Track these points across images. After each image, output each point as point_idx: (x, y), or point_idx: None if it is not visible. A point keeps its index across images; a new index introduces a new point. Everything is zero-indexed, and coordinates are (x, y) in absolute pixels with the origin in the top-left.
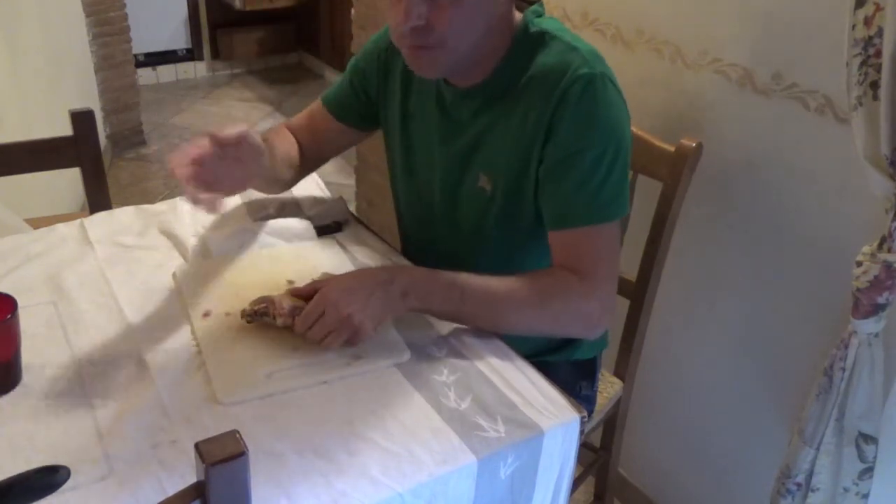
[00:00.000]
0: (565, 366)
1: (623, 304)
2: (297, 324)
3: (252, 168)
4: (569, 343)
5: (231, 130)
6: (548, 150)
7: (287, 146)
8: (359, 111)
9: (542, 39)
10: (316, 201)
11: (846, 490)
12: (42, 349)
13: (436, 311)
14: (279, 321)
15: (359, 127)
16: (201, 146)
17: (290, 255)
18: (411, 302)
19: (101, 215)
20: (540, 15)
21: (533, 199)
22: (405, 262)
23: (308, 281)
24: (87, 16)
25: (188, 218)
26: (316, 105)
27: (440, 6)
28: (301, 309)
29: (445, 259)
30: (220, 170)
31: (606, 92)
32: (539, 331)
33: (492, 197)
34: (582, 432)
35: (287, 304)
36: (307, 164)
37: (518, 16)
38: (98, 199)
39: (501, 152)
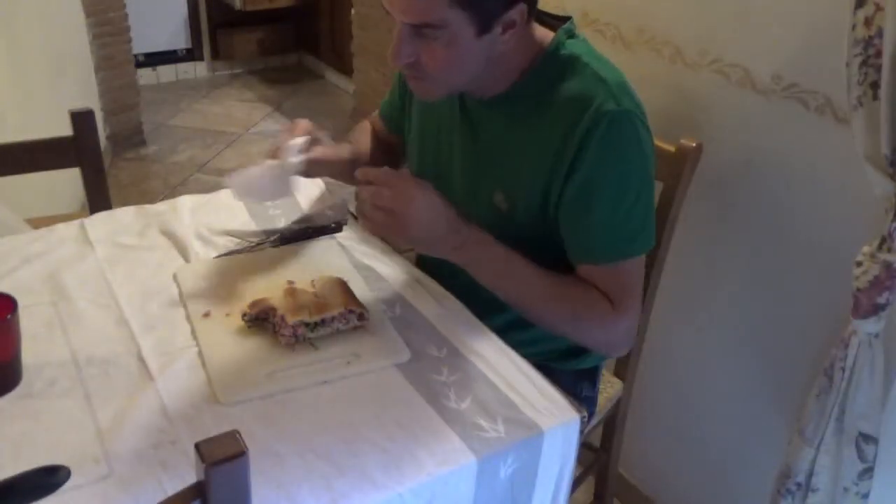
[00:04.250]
0: (569, 372)
1: None
2: (366, 173)
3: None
4: (576, 353)
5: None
6: (569, 185)
7: (368, 145)
8: (400, 120)
9: (571, 64)
10: (316, 201)
11: (846, 490)
12: (42, 349)
13: (478, 275)
14: (282, 340)
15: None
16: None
17: (290, 255)
18: (459, 255)
19: (101, 215)
20: (572, 35)
21: (554, 221)
22: (404, 263)
23: (308, 281)
24: (87, 16)
25: (188, 218)
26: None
27: (429, 46)
28: (305, 325)
29: (461, 270)
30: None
31: (632, 130)
32: (562, 333)
33: (509, 216)
34: (582, 432)
35: (291, 319)
36: (397, 155)
37: (547, 33)
38: (98, 199)
39: (521, 173)
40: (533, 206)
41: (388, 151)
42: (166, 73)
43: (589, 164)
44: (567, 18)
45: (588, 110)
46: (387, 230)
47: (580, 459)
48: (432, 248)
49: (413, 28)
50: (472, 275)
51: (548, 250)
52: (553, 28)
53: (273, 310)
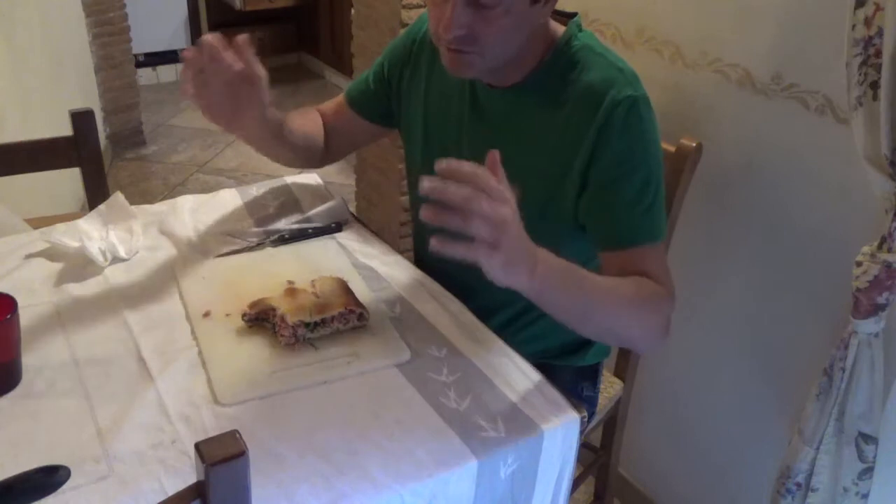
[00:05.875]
0: (569, 370)
1: None
2: (456, 170)
3: (248, 108)
4: (575, 349)
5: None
6: (593, 170)
7: (310, 125)
8: (378, 109)
9: (584, 55)
10: (316, 201)
11: (846, 490)
12: (42, 349)
13: (547, 301)
14: (282, 341)
15: (377, 124)
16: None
17: (290, 255)
18: (532, 282)
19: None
20: (580, 29)
21: (571, 213)
22: (404, 263)
23: (308, 281)
24: (87, 16)
25: (188, 218)
26: (341, 97)
27: (486, 17)
28: (305, 325)
29: (460, 263)
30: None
31: (648, 115)
32: (618, 335)
33: (520, 206)
34: (582, 432)
35: (291, 319)
36: (333, 149)
37: (557, 25)
38: (98, 199)
39: (536, 162)
40: (547, 195)
41: (340, 132)
42: (166, 73)
43: (614, 147)
44: (573, 14)
45: (607, 96)
46: (477, 247)
47: (580, 459)
48: (515, 274)
49: None
50: (539, 302)
51: (555, 239)
52: (561, 23)
53: (273, 310)
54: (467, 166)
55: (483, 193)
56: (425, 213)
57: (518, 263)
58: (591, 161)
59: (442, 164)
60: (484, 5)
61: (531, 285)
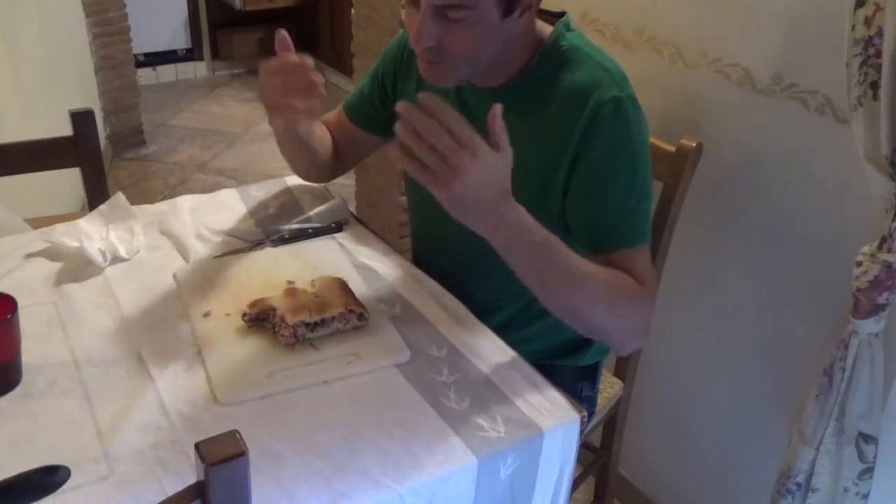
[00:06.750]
0: (568, 369)
1: None
2: (434, 103)
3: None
4: (575, 349)
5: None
6: (578, 170)
7: (324, 132)
8: (376, 118)
9: (572, 55)
10: (316, 201)
11: (846, 490)
12: (42, 349)
13: (512, 261)
14: (282, 341)
15: (377, 133)
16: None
17: (290, 255)
18: (494, 235)
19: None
20: (569, 29)
21: (558, 212)
22: (404, 263)
23: (308, 281)
24: (87, 16)
25: (188, 218)
26: (340, 109)
27: (454, 30)
28: (305, 325)
29: (458, 262)
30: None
31: (636, 115)
32: (590, 322)
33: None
34: (582, 432)
35: (291, 319)
36: (341, 161)
37: (545, 26)
38: (98, 199)
39: (523, 162)
40: (534, 196)
41: (343, 142)
42: (166, 73)
43: (599, 148)
44: (562, 14)
45: (593, 96)
46: (429, 177)
47: (580, 459)
48: (468, 217)
49: (437, 10)
50: (502, 257)
51: None
52: (549, 23)
53: (273, 310)
54: (446, 106)
55: (445, 131)
56: (399, 128)
57: (469, 210)
58: (576, 161)
59: (423, 95)
60: (451, 19)
61: (490, 241)
